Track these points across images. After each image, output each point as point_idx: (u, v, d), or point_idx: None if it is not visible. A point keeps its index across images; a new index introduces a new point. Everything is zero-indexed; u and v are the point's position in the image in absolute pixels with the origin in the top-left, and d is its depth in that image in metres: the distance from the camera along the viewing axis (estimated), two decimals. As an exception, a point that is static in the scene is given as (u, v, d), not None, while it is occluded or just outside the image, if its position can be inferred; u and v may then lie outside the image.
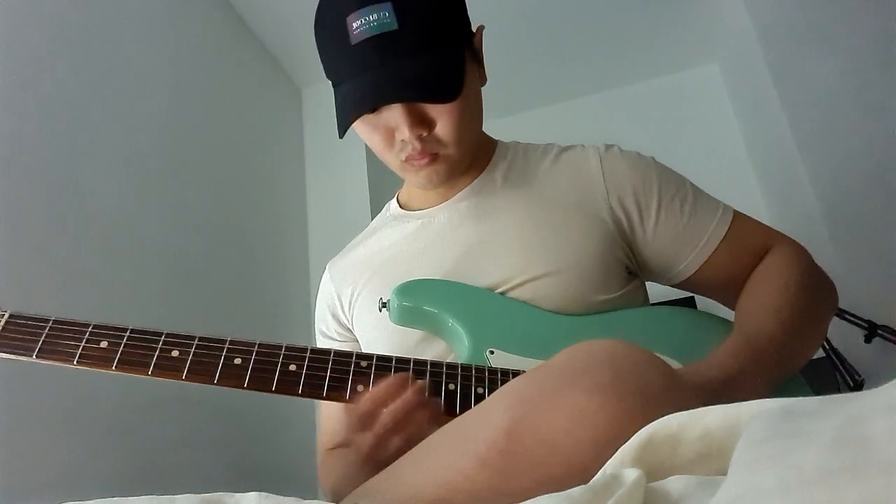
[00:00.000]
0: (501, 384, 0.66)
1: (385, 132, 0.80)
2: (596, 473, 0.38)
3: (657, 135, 2.53)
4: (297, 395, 0.68)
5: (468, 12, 0.84)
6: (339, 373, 0.69)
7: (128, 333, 0.69)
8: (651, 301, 0.93)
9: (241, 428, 1.75)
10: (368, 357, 0.71)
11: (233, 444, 1.72)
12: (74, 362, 0.67)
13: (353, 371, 0.69)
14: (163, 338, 0.69)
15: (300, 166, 2.58)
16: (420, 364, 0.71)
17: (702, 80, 2.84)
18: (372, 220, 1.04)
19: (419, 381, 0.68)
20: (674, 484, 0.33)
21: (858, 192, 1.76)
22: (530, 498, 0.37)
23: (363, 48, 0.73)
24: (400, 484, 0.53)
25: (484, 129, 0.92)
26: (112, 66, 1.61)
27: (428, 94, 0.76)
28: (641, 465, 0.36)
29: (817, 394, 0.35)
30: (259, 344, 0.69)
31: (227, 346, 0.69)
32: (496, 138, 0.98)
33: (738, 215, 0.88)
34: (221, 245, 1.93)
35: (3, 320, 0.69)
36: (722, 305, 0.91)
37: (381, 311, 0.82)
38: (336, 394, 0.68)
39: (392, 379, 0.68)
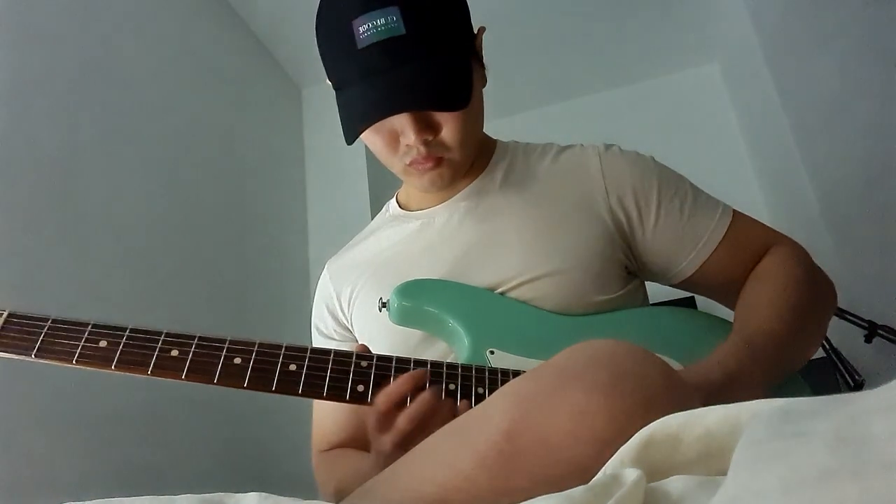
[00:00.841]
0: (501, 384, 0.66)
1: (389, 136, 0.79)
2: (596, 473, 0.38)
3: (657, 135, 2.52)
4: (298, 394, 0.68)
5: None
6: (339, 373, 0.69)
7: (127, 333, 0.68)
8: (651, 301, 0.93)
9: (240, 428, 1.75)
10: (369, 357, 0.71)
11: (233, 444, 1.72)
12: (74, 361, 0.67)
13: (354, 371, 0.69)
14: (162, 337, 0.68)
15: (300, 166, 2.58)
16: (420, 364, 0.71)
17: (702, 80, 2.84)
18: (372, 219, 1.04)
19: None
20: (674, 484, 0.33)
21: (858, 192, 1.76)
22: (530, 498, 0.37)
23: (370, 52, 0.73)
24: (400, 484, 0.53)
25: (484, 128, 0.92)
26: (112, 66, 1.61)
27: (439, 102, 0.75)
28: (641, 465, 0.36)
29: (817, 394, 0.35)
30: (259, 343, 0.69)
31: (226, 345, 0.69)
32: (495, 138, 0.98)
33: (737, 215, 0.88)
34: (221, 245, 1.93)
35: (2, 319, 0.69)
36: (721, 305, 0.92)
37: (380, 310, 0.82)
38: (336, 394, 0.68)
39: (409, 377, 0.67)
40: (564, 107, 2.96)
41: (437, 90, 0.74)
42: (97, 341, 0.68)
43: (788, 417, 0.28)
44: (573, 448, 0.42)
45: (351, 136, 0.77)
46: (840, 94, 1.77)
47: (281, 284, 2.19)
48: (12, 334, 0.68)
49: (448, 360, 0.73)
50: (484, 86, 0.87)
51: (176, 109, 1.85)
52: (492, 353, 0.76)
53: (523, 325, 0.79)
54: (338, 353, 0.70)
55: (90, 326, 0.69)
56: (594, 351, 0.48)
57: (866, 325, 1.69)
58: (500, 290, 0.81)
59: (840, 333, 1.71)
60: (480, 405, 0.51)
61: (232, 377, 0.67)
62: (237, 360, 0.68)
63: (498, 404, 0.47)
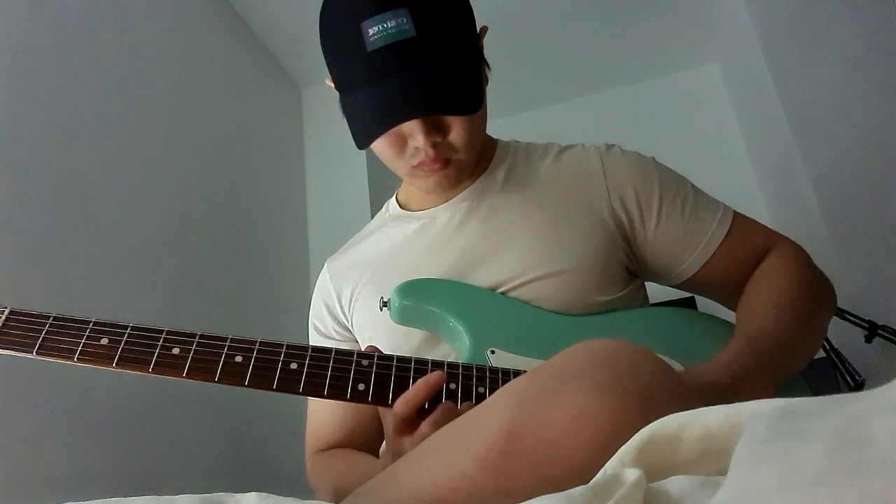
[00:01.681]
0: (502, 384, 0.65)
1: (396, 139, 0.78)
2: (596, 473, 0.38)
3: (657, 135, 2.52)
4: (298, 393, 0.68)
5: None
6: (340, 371, 0.69)
7: (128, 331, 0.68)
8: (651, 301, 0.93)
9: (240, 428, 1.75)
10: (369, 356, 0.71)
11: (233, 444, 1.72)
12: (75, 359, 0.67)
13: (355, 370, 0.69)
14: (163, 335, 0.68)
15: (300, 166, 2.58)
16: (421, 363, 0.71)
17: (702, 80, 2.84)
18: (372, 219, 1.04)
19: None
20: (674, 484, 0.33)
21: (858, 192, 1.76)
22: (530, 498, 0.37)
23: (381, 55, 0.72)
24: (399, 484, 0.53)
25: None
26: (112, 66, 1.61)
27: (453, 106, 0.75)
28: (642, 465, 0.36)
29: (817, 394, 0.35)
30: (260, 342, 0.69)
31: (227, 343, 0.69)
32: (495, 138, 0.98)
33: (738, 216, 0.88)
34: (222, 244, 1.93)
35: (4, 317, 0.69)
36: (722, 306, 0.92)
37: (381, 310, 0.82)
38: (337, 392, 0.68)
39: (426, 385, 0.67)
40: (564, 107, 2.96)
41: (451, 94, 0.74)
42: (98, 339, 0.68)
43: (788, 417, 0.28)
44: (573, 448, 0.42)
45: (363, 141, 0.76)
46: (840, 94, 1.77)
47: (281, 283, 2.20)
48: (13, 332, 0.68)
49: (449, 360, 0.73)
50: (486, 85, 0.87)
51: (176, 109, 1.85)
52: (492, 352, 0.76)
53: (524, 325, 0.79)
54: (339, 351, 0.70)
55: (91, 324, 0.69)
56: (594, 351, 0.48)
57: (866, 325, 1.69)
58: (501, 289, 0.81)
59: (840, 333, 1.72)
60: (480, 405, 0.51)
61: (233, 375, 0.67)
62: (238, 359, 0.68)
63: (498, 404, 0.47)
